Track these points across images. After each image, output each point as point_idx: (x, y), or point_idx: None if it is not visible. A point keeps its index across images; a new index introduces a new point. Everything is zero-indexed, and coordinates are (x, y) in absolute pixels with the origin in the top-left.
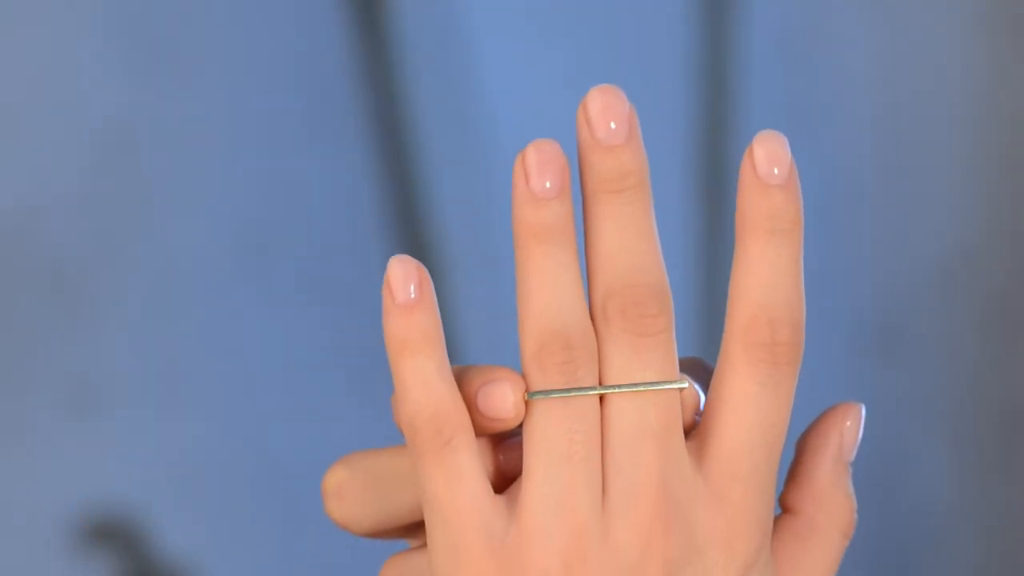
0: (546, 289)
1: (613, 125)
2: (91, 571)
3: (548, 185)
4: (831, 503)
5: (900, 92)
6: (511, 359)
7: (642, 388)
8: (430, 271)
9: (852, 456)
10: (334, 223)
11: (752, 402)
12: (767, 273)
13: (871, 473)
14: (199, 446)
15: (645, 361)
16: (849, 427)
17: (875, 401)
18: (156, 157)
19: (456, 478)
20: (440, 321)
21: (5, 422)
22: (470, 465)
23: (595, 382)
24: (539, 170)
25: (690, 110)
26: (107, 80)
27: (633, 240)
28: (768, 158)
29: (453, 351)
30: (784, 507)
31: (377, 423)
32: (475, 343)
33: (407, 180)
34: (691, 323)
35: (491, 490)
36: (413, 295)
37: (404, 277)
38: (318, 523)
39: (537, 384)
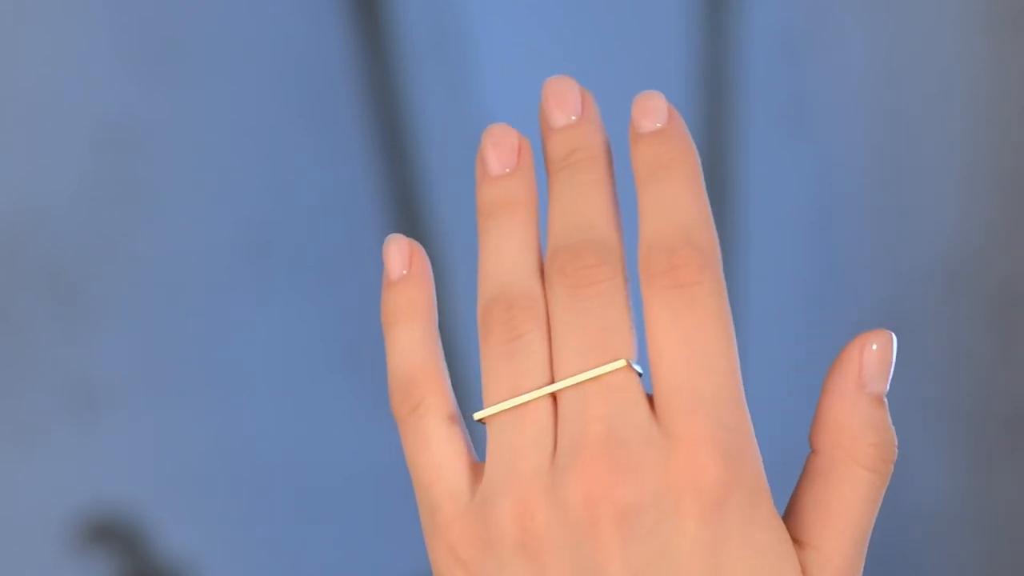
0: (491, 257)
1: (564, 111)
2: (91, 571)
3: (503, 168)
4: (848, 437)
5: (900, 92)
6: None
7: (586, 377)
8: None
9: (880, 386)
10: (334, 223)
11: (670, 331)
12: (654, 209)
13: None
14: (199, 446)
15: (583, 310)
16: (871, 353)
17: None
18: (156, 158)
19: (423, 443)
20: (431, 293)
21: (5, 422)
22: (438, 430)
23: (544, 339)
24: (492, 155)
25: (690, 109)
26: (107, 81)
27: (578, 201)
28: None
29: (453, 350)
30: (811, 448)
31: (376, 423)
32: (474, 342)
33: (407, 180)
34: None
35: (464, 454)
36: (405, 271)
37: (398, 255)
38: (317, 523)
39: (484, 345)
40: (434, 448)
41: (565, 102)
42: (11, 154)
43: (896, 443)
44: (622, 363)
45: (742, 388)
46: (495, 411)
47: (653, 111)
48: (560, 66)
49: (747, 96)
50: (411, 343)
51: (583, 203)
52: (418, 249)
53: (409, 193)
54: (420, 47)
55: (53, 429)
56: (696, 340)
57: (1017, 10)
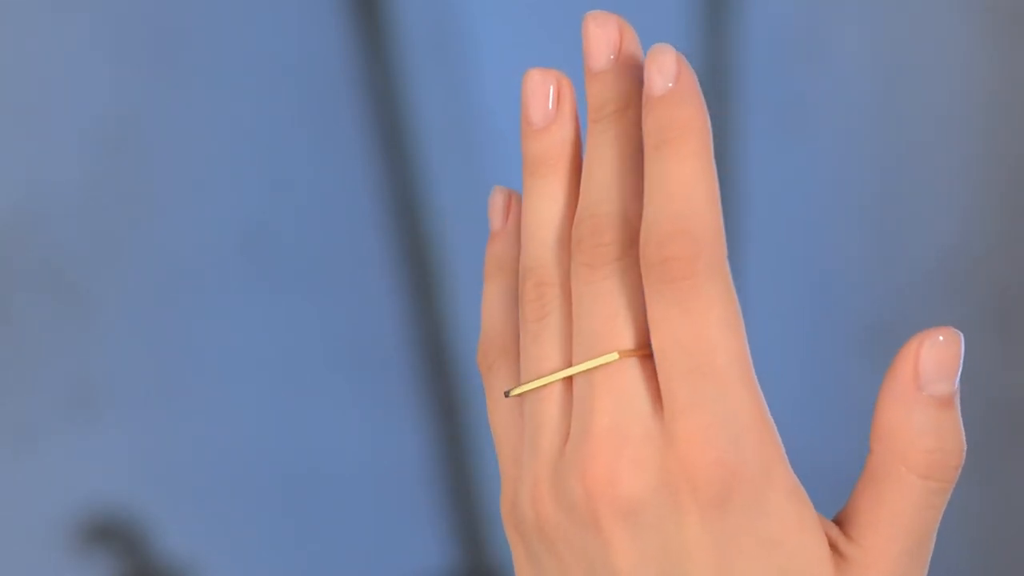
0: (530, 224)
1: (601, 51)
2: (91, 571)
3: (542, 120)
4: (896, 439)
5: (900, 93)
6: None
7: (590, 366)
8: (430, 271)
9: (942, 388)
10: (334, 223)
11: (663, 328)
12: (652, 191)
13: None
14: (199, 446)
15: (597, 294)
16: (930, 352)
17: (873, 402)
18: (156, 158)
19: (494, 404)
20: (517, 245)
21: (5, 422)
22: (504, 394)
23: (567, 316)
24: (532, 100)
25: None
26: (108, 81)
27: (600, 169)
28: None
29: (452, 349)
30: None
31: (376, 423)
32: (474, 343)
33: (407, 180)
34: None
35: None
36: (501, 206)
37: (499, 208)
38: (317, 523)
39: (520, 322)
40: (504, 410)
41: (603, 42)
42: (10, 154)
43: (963, 448)
44: (614, 356)
45: (750, 372)
46: (522, 391)
47: (664, 68)
48: (560, 66)
49: (747, 97)
50: (497, 301)
51: (604, 171)
52: (516, 202)
53: (409, 193)
54: (420, 47)
55: (53, 429)
56: (688, 338)
57: (1017, 10)
